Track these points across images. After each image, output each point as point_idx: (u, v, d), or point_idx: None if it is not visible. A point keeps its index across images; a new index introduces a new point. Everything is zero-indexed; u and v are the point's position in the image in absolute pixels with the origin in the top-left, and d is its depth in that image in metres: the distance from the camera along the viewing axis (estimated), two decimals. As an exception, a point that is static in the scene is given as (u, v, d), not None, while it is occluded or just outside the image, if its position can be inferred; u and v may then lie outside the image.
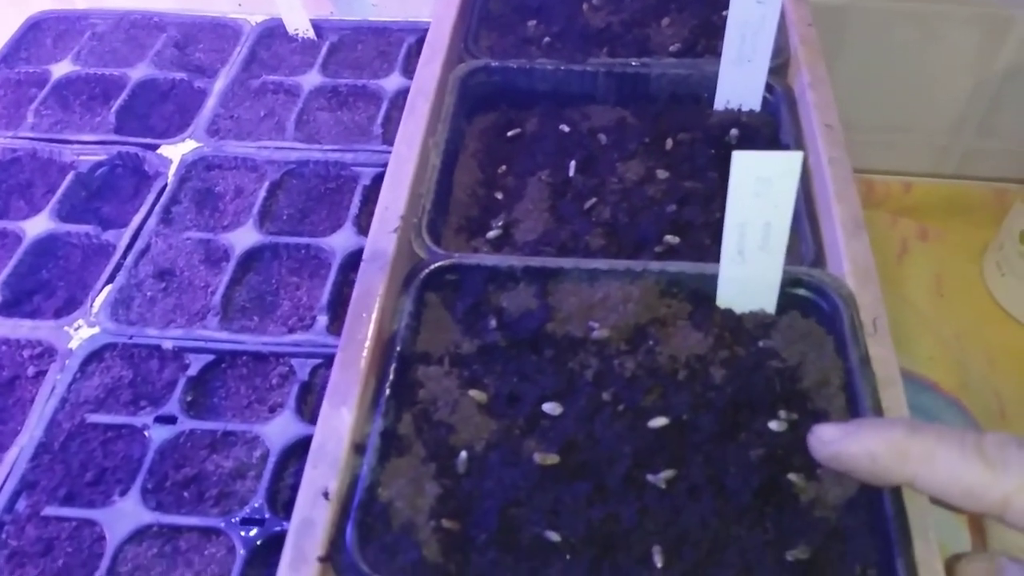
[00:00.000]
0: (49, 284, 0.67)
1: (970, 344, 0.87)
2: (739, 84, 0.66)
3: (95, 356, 0.61)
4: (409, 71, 0.81)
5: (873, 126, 1.03)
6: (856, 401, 0.47)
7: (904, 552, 0.40)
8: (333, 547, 0.42)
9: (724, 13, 0.62)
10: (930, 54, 0.96)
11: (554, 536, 0.44)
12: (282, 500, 0.54)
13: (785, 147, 0.63)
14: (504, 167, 0.65)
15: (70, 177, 0.73)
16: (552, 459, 0.46)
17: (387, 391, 0.48)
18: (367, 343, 0.50)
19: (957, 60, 0.96)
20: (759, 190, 0.46)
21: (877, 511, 0.43)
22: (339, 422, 0.46)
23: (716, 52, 0.66)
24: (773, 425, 0.47)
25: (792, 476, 0.45)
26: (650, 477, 0.46)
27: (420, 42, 0.85)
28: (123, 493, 0.54)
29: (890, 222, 1.00)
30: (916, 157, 1.06)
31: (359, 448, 0.46)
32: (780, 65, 0.67)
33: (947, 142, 1.04)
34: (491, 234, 0.60)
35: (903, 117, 1.02)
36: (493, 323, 0.53)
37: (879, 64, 0.98)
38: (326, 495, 0.43)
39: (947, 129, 1.03)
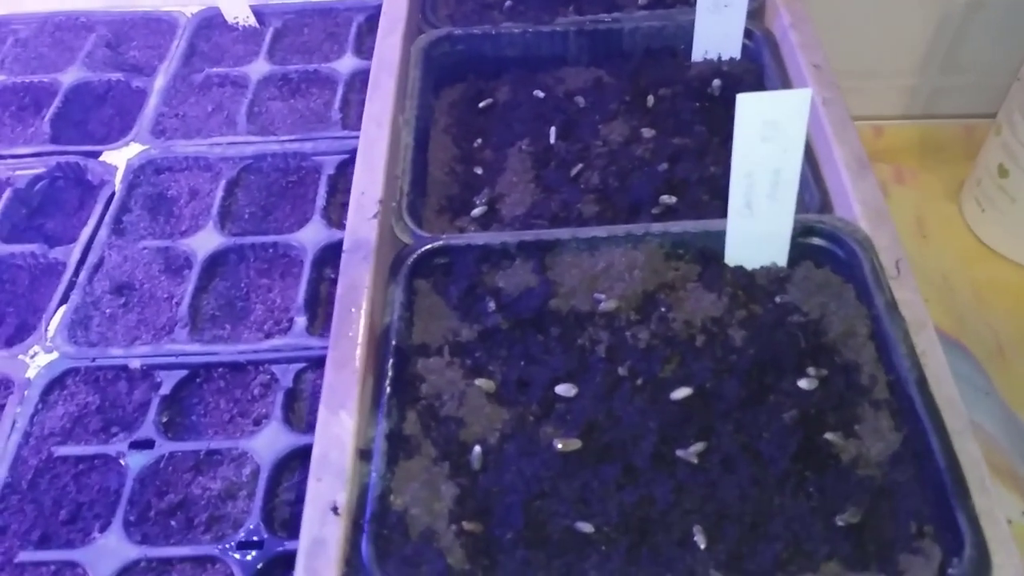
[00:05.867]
0: (-4, 311, 0.62)
1: (959, 283, 0.86)
2: (716, 32, 0.63)
3: (56, 383, 0.56)
4: (362, 51, 0.77)
5: (838, 72, 1.01)
6: (887, 349, 0.44)
7: (963, 505, 0.38)
8: (349, 566, 0.39)
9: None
10: (891, -7, 0.95)
11: (586, 527, 0.41)
12: (280, 518, 0.50)
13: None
14: (480, 140, 0.61)
15: (7, 194, 0.67)
16: (573, 444, 0.43)
17: (387, 389, 0.44)
18: (359, 340, 0.46)
19: (918, -2, 0.95)
20: (767, 134, 0.43)
21: (926, 464, 0.40)
22: (339, 428, 0.42)
23: (690, 1, 0.63)
24: (803, 384, 0.44)
25: (830, 435, 0.43)
26: (680, 452, 0.43)
27: (370, 20, 0.80)
28: (103, 529, 0.50)
29: (865, 168, 0.99)
30: (884, 100, 1.04)
31: (365, 454, 0.42)
32: (757, 8, 0.64)
33: (914, 82, 1.03)
34: (475, 212, 0.56)
35: (868, 61, 1.01)
36: (492, 305, 0.49)
37: (840, 8, 0.96)
38: (335, 510, 0.40)
39: (913, 69, 1.02)
